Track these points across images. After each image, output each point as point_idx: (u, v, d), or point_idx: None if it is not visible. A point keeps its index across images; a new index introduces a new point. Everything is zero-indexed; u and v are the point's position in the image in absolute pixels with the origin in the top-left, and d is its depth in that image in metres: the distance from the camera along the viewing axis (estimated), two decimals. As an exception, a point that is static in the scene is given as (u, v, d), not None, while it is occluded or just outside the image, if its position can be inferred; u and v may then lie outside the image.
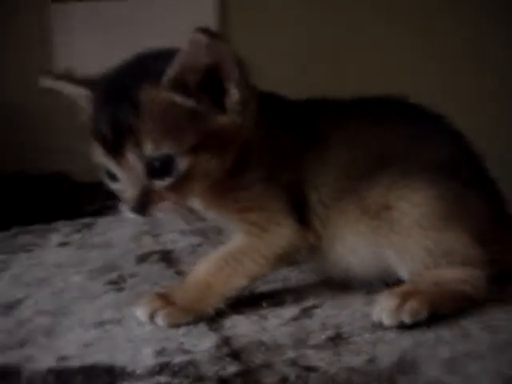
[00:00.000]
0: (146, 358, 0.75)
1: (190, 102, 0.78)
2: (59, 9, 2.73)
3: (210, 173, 0.82)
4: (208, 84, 0.79)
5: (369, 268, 0.90)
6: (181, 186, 0.80)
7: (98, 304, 0.93)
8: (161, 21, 2.71)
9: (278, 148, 0.89)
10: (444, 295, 0.83)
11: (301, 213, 0.88)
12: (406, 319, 0.79)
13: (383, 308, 0.80)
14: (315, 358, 0.74)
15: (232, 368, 0.72)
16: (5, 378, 0.72)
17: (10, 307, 0.93)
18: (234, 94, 0.81)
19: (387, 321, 0.79)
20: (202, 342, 0.79)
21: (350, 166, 0.88)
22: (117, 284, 1.00)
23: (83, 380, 0.71)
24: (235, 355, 0.76)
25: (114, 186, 0.84)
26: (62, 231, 1.31)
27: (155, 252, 1.14)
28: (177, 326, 0.84)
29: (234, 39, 0.80)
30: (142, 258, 1.11)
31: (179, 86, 0.77)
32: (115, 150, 0.78)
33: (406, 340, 0.77)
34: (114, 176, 0.82)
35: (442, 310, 0.82)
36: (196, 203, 0.89)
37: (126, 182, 0.80)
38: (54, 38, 2.70)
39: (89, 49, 2.69)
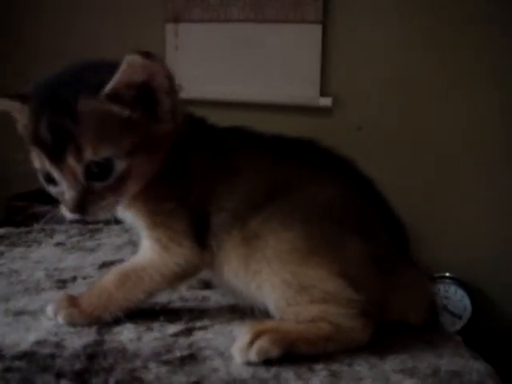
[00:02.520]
0: (23, 345, 0.87)
1: (125, 112, 0.86)
2: (172, 29, 2.97)
3: (143, 175, 0.91)
4: (143, 95, 0.87)
5: (249, 294, 0.93)
6: (117, 187, 0.88)
7: (38, 297, 1.06)
8: (271, 46, 2.86)
9: (195, 168, 0.95)
10: (300, 333, 0.86)
11: (201, 233, 0.94)
12: (253, 357, 0.82)
13: (236, 344, 0.85)
14: (153, 371, 0.81)
15: (77, 366, 0.82)
16: None
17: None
18: (164, 103, 0.89)
19: (238, 358, 0.84)
20: (79, 341, 0.89)
21: (248, 196, 0.93)
22: (65, 283, 1.13)
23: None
24: (91, 356, 0.85)
25: (52, 189, 0.92)
26: (69, 233, 1.47)
27: (120, 261, 1.24)
28: (74, 324, 0.94)
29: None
30: (105, 264, 1.23)
31: (116, 98, 0.85)
32: (56, 155, 0.86)
33: (246, 373, 0.81)
34: (53, 180, 0.90)
35: (299, 349, 0.84)
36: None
37: (65, 185, 0.88)
38: (167, 57, 2.95)
39: (199, 68, 2.91)
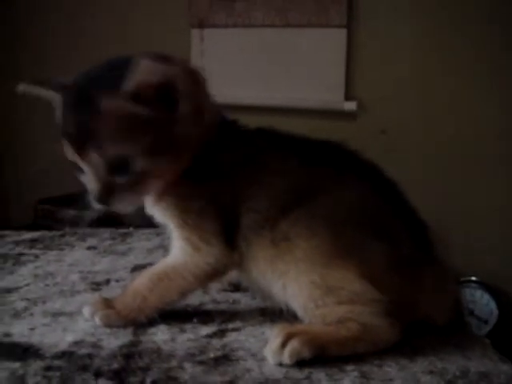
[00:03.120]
0: (62, 345, 0.90)
1: (145, 112, 0.88)
2: (197, 34, 3.01)
3: (165, 174, 0.94)
4: (165, 96, 0.89)
5: (275, 295, 0.96)
6: (137, 183, 0.91)
7: (73, 299, 1.09)
8: (296, 50, 2.88)
9: (225, 169, 0.97)
10: (330, 335, 0.88)
11: (230, 234, 0.96)
12: (286, 359, 0.84)
13: (269, 346, 0.87)
14: (188, 371, 0.83)
15: (114, 365, 0.84)
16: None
17: (9, 291, 1.12)
18: (185, 106, 0.91)
19: (271, 360, 0.86)
20: (115, 342, 0.92)
21: (277, 197, 0.95)
22: (99, 285, 1.16)
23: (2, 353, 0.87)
24: (127, 356, 0.87)
25: (82, 178, 0.96)
26: (100, 236, 1.51)
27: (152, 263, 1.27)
28: (110, 326, 0.97)
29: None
30: (136, 268, 1.26)
31: (137, 98, 0.87)
32: (81, 148, 0.89)
33: (279, 374, 0.83)
34: (81, 169, 0.93)
35: (330, 351, 0.86)
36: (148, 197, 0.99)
37: (90, 176, 0.92)
38: (193, 63, 2.97)
39: (225, 73, 2.94)
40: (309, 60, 2.90)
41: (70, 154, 0.92)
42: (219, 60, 2.97)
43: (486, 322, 2.69)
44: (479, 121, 2.71)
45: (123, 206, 0.94)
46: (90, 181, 0.93)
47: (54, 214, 2.58)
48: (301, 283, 0.91)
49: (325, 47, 2.86)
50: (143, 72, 0.86)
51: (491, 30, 2.62)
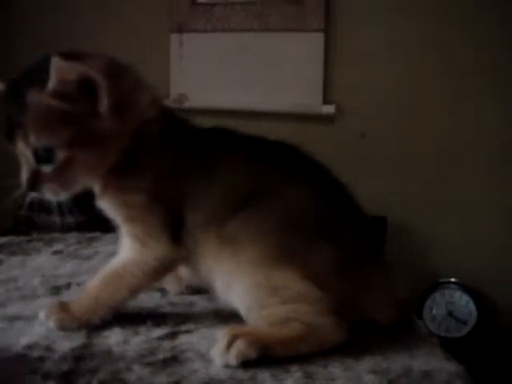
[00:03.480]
0: (15, 348, 0.91)
1: (65, 107, 0.92)
2: (176, 39, 3.03)
3: (89, 166, 0.97)
4: (87, 91, 0.92)
5: (220, 293, 0.98)
6: (62, 173, 0.95)
7: (33, 303, 1.10)
8: (274, 54, 2.90)
9: (169, 164, 1.00)
10: (274, 335, 0.89)
11: (176, 229, 0.98)
12: (232, 360, 0.86)
13: (215, 348, 0.89)
14: (136, 372, 0.85)
15: (64, 368, 0.86)
16: None
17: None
18: (103, 100, 0.93)
19: (218, 361, 0.87)
20: (68, 344, 0.93)
21: (225, 197, 0.97)
22: (59, 289, 1.17)
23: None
24: (78, 358, 0.89)
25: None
26: (68, 241, 1.52)
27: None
28: (65, 329, 0.98)
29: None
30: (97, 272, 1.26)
31: (57, 94, 0.91)
32: (11, 139, 0.95)
33: (224, 374, 0.85)
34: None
35: (275, 351, 0.88)
36: (95, 187, 1.02)
37: (22, 165, 0.97)
38: (172, 67, 3.01)
39: (203, 77, 2.96)
40: (287, 64, 2.91)
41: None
42: (198, 64, 2.99)
43: (465, 323, 2.71)
44: (457, 124, 2.73)
45: (50, 194, 0.98)
46: (22, 170, 0.97)
47: (33, 220, 2.57)
48: (246, 284, 0.93)
49: (303, 51, 2.88)
50: (58, 70, 0.89)
51: (466, 28, 2.64)
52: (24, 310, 1.07)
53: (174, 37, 3.03)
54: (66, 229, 2.19)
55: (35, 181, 0.96)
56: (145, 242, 0.99)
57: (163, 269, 1.01)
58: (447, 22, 2.68)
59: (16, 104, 0.93)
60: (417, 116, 2.79)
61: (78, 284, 1.20)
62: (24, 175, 0.96)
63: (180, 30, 3.02)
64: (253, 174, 0.99)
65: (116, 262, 1.03)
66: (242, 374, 0.84)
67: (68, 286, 1.20)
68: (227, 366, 0.86)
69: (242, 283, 0.93)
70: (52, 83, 0.90)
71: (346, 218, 0.99)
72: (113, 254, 1.35)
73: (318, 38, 2.85)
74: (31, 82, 0.93)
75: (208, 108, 2.81)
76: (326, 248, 0.94)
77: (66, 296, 1.14)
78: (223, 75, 2.98)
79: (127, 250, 1.01)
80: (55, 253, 1.43)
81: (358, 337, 0.94)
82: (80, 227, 2.01)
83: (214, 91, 2.97)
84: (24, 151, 0.95)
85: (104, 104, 0.93)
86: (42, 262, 1.37)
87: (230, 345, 0.87)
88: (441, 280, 2.77)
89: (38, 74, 0.93)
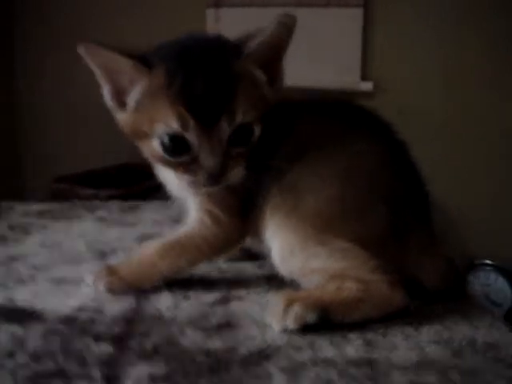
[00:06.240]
0: (65, 310, 0.89)
1: (263, 76, 0.89)
2: (213, 13, 2.99)
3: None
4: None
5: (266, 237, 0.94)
6: (247, 152, 0.89)
7: (78, 267, 1.08)
8: (312, 30, 2.85)
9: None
10: (332, 297, 0.86)
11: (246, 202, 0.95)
12: (291, 324, 0.83)
13: (271, 313, 0.86)
14: (189, 337, 0.82)
15: (115, 330, 0.84)
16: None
17: (15, 259, 1.12)
18: (283, 68, 0.92)
19: (275, 326, 0.84)
20: (117, 307, 0.91)
21: (288, 153, 0.93)
22: (105, 255, 1.15)
23: (3, 316, 0.87)
24: (129, 321, 0.87)
25: (177, 159, 0.87)
26: (110, 208, 1.50)
27: (159, 234, 1.26)
28: (114, 292, 0.96)
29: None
30: (143, 237, 1.25)
31: (256, 61, 0.88)
32: (208, 117, 0.83)
33: (281, 341, 0.81)
34: (183, 147, 0.86)
35: (334, 314, 0.84)
36: None
37: (207, 150, 0.85)
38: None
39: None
40: (325, 40, 2.87)
41: (181, 125, 0.84)
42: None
43: (500, 305, 2.66)
44: (495, 101, 2.67)
45: (234, 179, 0.89)
46: (200, 157, 0.85)
47: (70, 193, 2.56)
48: (297, 234, 0.90)
49: (341, 27, 2.84)
50: (277, 28, 0.86)
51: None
52: (70, 273, 1.06)
53: (210, 12, 2.98)
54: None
55: (225, 167, 0.86)
56: (218, 217, 0.95)
57: (231, 244, 1.00)
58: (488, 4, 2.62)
59: (218, 77, 0.84)
60: (457, 92, 2.73)
61: (124, 250, 1.18)
62: (208, 162, 0.85)
63: (217, 4, 2.98)
64: (312, 126, 0.96)
65: (180, 233, 0.99)
66: (299, 341, 0.81)
67: (114, 251, 1.18)
68: (285, 330, 0.83)
69: (296, 236, 0.90)
70: (255, 46, 0.86)
71: (403, 178, 0.95)
72: (157, 221, 1.36)
73: (357, 14, 2.79)
74: (228, 54, 0.87)
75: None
76: (381, 210, 0.90)
77: (111, 260, 1.12)
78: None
79: (195, 222, 0.98)
80: (99, 219, 1.42)
81: (415, 305, 0.90)
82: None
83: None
84: (222, 131, 0.85)
85: (283, 72, 0.91)
86: (86, 227, 1.35)
87: (287, 309, 0.83)
88: (476, 262, 2.72)
89: (223, 46, 0.88)
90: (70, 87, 2.99)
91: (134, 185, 2.40)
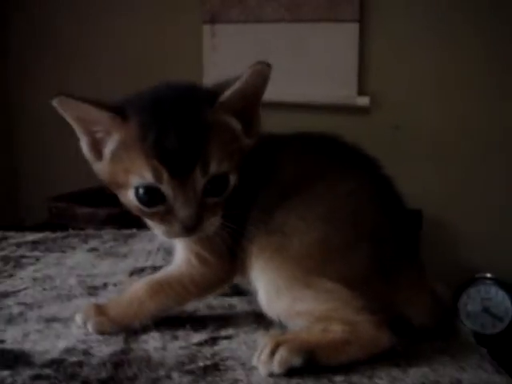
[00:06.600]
0: (53, 352, 0.90)
1: (238, 126, 0.90)
2: (210, 29, 3.01)
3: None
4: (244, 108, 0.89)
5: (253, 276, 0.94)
6: (223, 202, 0.89)
7: (69, 304, 1.09)
8: (308, 46, 2.86)
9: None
10: (318, 340, 0.86)
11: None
12: (276, 369, 0.82)
13: (257, 356, 0.85)
14: (176, 381, 0.82)
15: (103, 374, 0.84)
16: None
17: (6, 295, 1.13)
18: (259, 116, 0.92)
19: (261, 370, 0.84)
20: (106, 349, 0.91)
21: (271, 196, 0.93)
22: (96, 290, 1.16)
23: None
24: (117, 364, 0.87)
25: (152, 209, 0.87)
26: (103, 238, 1.51)
27: (151, 267, 1.26)
28: (103, 333, 0.96)
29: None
30: (134, 272, 1.25)
31: (229, 110, 0.88)
32: (181, 169, 0.83)
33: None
34: (158, 198, 0.86)
35: (320, 357, 0.84)
36: None
37: (181, 201, 0.85)
38: (204, 58, 2.98)
39: (236, 69, 2.91)
40: (321, 55, 2.88)
41: (155, 177, 0.84)
42: (230, 55, 2.95)
43: (500, 319, 2.66)
44: (494, 116, 2.67)
45: (210, 230, 0.89)
46: (175, 208, 0.85)
47: (67, 212, 2.56)
48: (283, 277, 0.89)
49: (337, 42, 2.84)
50: (251, 77, 0.86)
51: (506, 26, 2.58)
52: (61, 311, 1.06)
53: (207, 28, 3.00)
54: (101, 221, 2.19)
55: (200, 217, 0.86)
56: (205, 258, 0.96)
57: (219, 284, 1.01)
58: (485, 9, 2.62)
59: (191, 127, 0.84)
60: (453, 108, 2.73)
61: (115, 284, 1.19)
62: (183, 214, 0.85)
63: (213, 20, 2.99)
64: (299, 164, 0.96)
65: (168, 272, 1.00)
66: (285, 384, 0.81)
67: (105, 286, 1.18)
68: (271, 374, 0.83)
69: (281, 278, 0.89)
70: (229, 95, 0.86)
71: (388, 214, 0.95)
72: (149, 252, 1.36)
73: (352, 29, 2.80)
74: (200, 103, 0.87)
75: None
76: (365, 248, 0.90)
77: (102, 296, 1.13)
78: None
79: (182, 263, 0.98)
80: (91, 250, 1.42)
81: (403, 344, 0.90)
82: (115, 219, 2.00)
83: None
84: (196, 182, 0.85)
85: (259, 120, 0.91)
86: (78, 259, 1.36)
87: (273, 352, 0.83)
88: (477, 275, 2.72)
89: (197, 95, 0.89)
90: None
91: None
